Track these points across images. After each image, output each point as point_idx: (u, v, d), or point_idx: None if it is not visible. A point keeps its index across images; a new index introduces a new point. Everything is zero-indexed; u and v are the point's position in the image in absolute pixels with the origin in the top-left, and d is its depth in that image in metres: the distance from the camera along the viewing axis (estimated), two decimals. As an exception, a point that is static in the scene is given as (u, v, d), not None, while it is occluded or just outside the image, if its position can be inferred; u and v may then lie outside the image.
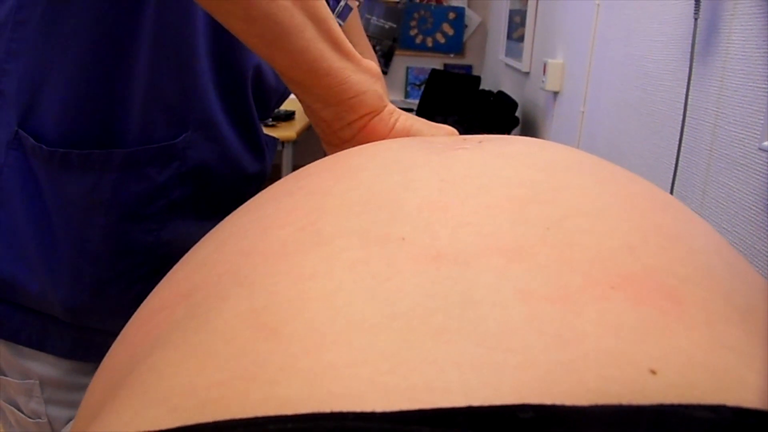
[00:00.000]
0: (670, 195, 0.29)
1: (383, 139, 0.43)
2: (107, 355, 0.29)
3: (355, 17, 0.74)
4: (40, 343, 0.58)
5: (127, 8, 0.50)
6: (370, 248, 0.21)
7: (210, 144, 0.57)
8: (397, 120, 0.44)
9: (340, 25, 0.66)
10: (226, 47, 0.42)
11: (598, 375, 0.16)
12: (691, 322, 0.18)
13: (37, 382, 0.59)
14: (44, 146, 0.52)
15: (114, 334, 0.66)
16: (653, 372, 0.16)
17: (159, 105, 0.54)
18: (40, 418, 0.60)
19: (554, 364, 0.16)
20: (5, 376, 0.60)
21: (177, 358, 0.20)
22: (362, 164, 0.29)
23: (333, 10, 0.64)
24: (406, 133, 0.44)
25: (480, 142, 0.31)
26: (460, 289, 0.19)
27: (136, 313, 0.29)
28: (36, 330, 0.57)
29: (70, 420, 0.60)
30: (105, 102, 0.52)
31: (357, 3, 0.69)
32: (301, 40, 0.38)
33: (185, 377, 0.18)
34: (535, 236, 0.21)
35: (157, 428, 0.17)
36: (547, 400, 0.15)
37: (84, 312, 0.57)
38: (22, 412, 0.61)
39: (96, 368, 0.65)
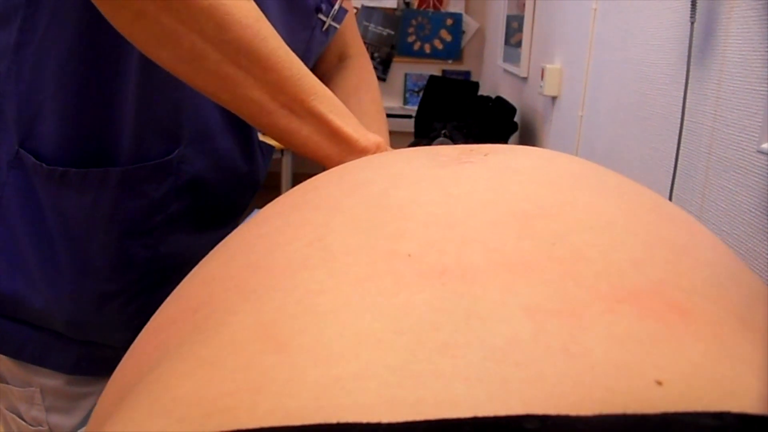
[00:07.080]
0: (675, 206, 0.29)
1: None
2: (117, 369, 0.29)
3: (350, 19, 0.74)
4: (42, 359, 0.58)
5: (114, 31, 0.50)
6: (376, 265, 0.21)
7: (204, 156, 0.58)
8: None
9: (336, 28, 0.66)
10: None
11: (604, 387, 0.16)
12: (697, 334, 0.18)
13: (38, 389, 0.59)
14: (44, 165, 0.53)
15: (116, 348, 0.65)
16: (659, 383, 0.16)
17: (151, 123, 0.54)
18: (41, 426, 0.60)
19: (561, 377, 0.16)
20: (7, 383, 0.61)
21: (184, 370, 0.20)
22: (369, 178, 0.29)
23: (327, 15, 0.65)
24: None
25: (486, 154, 0.31)
26: (466, 304, 0.19)
27: (145, 328, 0.29)
28: (39, 346, 0.58)
29: (72, 429, 0.60)
30: (98, 123, 0.53)
31: (355, 10, 0.69)
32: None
33: (192, 388, 0.18)
34: (541, 251, 0.21)
35: None
36: (554, 412, 0.15)
37: (87, 327, 0.57)
38: (24, 420, 0.61)
39: (97, 380, 0.65)
